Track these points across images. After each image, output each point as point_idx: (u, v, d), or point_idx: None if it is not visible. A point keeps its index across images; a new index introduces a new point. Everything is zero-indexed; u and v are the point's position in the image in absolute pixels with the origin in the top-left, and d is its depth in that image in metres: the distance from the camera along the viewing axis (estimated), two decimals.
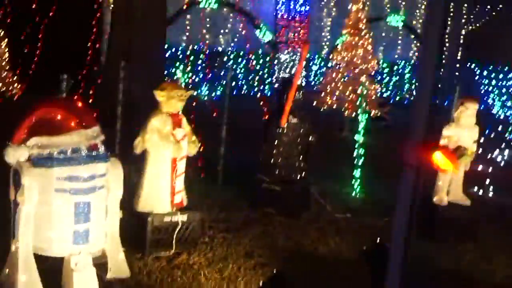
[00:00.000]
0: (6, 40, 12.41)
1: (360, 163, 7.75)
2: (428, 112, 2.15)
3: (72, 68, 10.03)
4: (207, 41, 15.75)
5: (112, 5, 10.88)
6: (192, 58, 15.42)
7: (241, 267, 5.11)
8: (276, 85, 15.08)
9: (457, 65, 18.73)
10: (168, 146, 5.16)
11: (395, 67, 18.79)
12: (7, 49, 12.41)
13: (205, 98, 14.53)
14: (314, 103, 12.13)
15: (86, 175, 3.45)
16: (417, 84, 2.22)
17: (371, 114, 12.02)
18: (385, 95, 17.32)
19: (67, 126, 3.42)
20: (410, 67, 19.03)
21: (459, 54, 19.28)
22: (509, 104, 15.12)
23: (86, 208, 3.49)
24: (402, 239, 2.14)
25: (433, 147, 2.18)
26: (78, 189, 3.44)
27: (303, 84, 15.19)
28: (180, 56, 15.33)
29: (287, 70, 16.59)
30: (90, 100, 8.73)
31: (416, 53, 19.13)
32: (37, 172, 3.39)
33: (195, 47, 15.71)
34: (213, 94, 14.96)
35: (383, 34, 18.35)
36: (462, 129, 6.24)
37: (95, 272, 3.56)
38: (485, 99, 17.26)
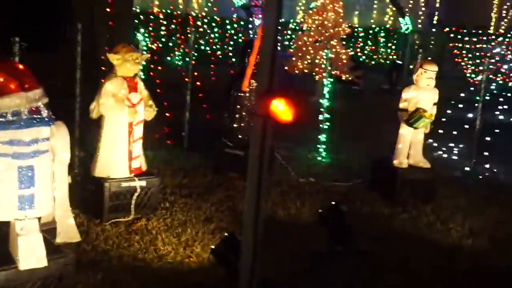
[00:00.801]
0: None
1: (325, 128, 7.78)
2: (271, 64, 2.17)
3: (37, 30, 9.88)
4: (179, 6, 15.50)
5: None
6: (165, 23, 15.20)
7: (200, 232, 5.14)
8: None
9: (433, 30, 18.72)
10: (123, 110, 5.10)
11: (370, 32, 18.73)
12: None
13: (178, 64, 14.39)
14: (286, 68, 12.07)
15: (28, 139, 3.40)
16: (262, 37, 2.23)
17: (343, 79, 12.04)
18: (360, 59, 17.29)
19: (7, 89, 3.34)
20: (385, 32, 18.99)
21: (435, 18, 19.26)
22: (480, 68, 15.19)
23: (30, 173, 3.45)
24: (255, 189, 2.18)
25: (275, 97, 2.20)
26: (21, 153, 3.39)
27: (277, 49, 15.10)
28: (152, 22, 15.12)
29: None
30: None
31: (392, 18, 19.06)
32: None
33: (168, 11, 15.47)
34: (186, 60, 14.78)
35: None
36: (422, 92, 6.27)
37: (41, 237, 3.54)
38: (458, 62, 17.33)
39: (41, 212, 3.58)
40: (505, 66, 15.16)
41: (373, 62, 18.40)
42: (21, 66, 3.53)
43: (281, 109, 2.22)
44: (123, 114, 5.10)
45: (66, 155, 3.69)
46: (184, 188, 6.20)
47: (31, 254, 3.47)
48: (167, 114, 7.34)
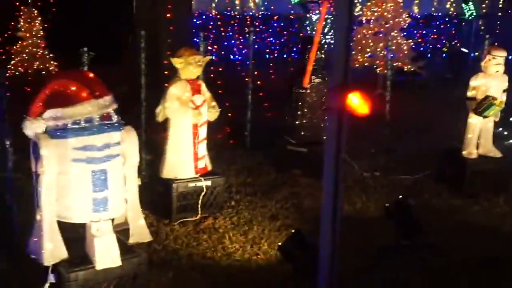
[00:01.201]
0: (40, 18, 12.70)
1: (388, 120, 7.65)
2: (346, 59, 2.13)
3: (103, 41, 10.27)
4: (236, 6, 15.66)
5: None
6: (222, 24, 15.39)
7: (266, 229, 5.19)
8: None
9: (499, 14, 17.96)
10: (188, 113, 5.22)
11: (431, 21, 18.18)
12: (41, 27, 12.72)
13: (238, 63, 14.53)
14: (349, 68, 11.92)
15: (100, 144, 3.54)
16: (334, 28, 2.20)
17: (405, 70, 11.79)
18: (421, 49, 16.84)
19: (79, 97, 3.50)
20: (447, 19, 18.37)
21: (501, 3, 18.46)
22: None
23: (103, 176, 3.60)
24: (331, 184, 2.17)
25: (350, 91, 2.16)
26: (94, 158, 3.54)
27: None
28: (211, 24, 15.35)
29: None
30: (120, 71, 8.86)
31: (454, 5, 18.42)
32: (54, 143, 3.50)
33: (225, 12, 15.66)
34: (246, 60, 14.90)
35: None
36: (490, 79, 6.05)
37: (115, 237, 3.69)
38: None
39: (114, 213, 3.73)
40: None
41: (435, 52, 17.86)
42: (91, 75, 3.69)
43: (357, 102, 2.20)
44: (188, 116, 5.22)
45: (136, 159, 3.83)
46: (249, 187, 6.28)
47: (106, 254, 3.62)
48: (229, 114, 7.43)
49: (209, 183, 5.41)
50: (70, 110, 3.50)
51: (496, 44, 7.00)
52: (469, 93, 6.16)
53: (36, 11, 12.73)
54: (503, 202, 5.94)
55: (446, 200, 6.04)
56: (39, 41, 12.68)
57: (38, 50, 12.65)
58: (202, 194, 5.36)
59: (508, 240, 5.17)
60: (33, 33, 12.64)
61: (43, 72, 12.40)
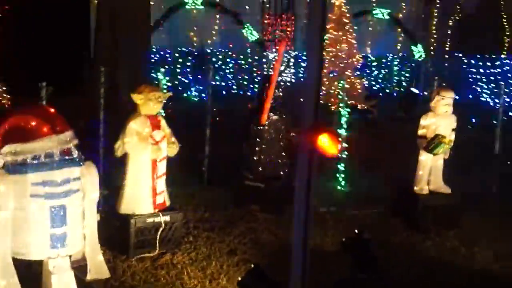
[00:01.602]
0: None
1: (343, 157, 7.84)
2: (316, 99, 2.25)
3: (59, 74, 10.17)
4: (194, 43, 15.86)
5: (96, 11, 10.94)
6: (180, 60, 15.54)
7: (224, 264, 5.20)
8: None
9: (446, 56, 18.81)
10: (147, 148, 5.24)
11: (383, 61, 18.84)
12: None
13: (195, 100, 14.63)
14: (301, 99, 12.20)
15: (60, 179, 3.53)
16: (306, 71, 2.31)
17: (358, 107, 12.14)
18: (374, 88, 17.41)
19: (39, 132, 3.50)
20: (397, 60, 19.10)
21: (447, 45, 19.34)
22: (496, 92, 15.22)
23: (62, 212, 3.57)
24: (303, 220, 2.23)
25: (320, 132, 2.26)
26: (53, 194, 3.51)
27: (293, 81, 15.30)
28: (169, 59, 15.46)
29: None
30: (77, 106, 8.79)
31: (402, 46, 19.18)
32: (12, 179, 3.47)
33: (183, 49, 15.83)
34: (203, 96, 15.02)
35: (370, 29, 18.42)
36: (440, 118, 6.34)
37: (73, 274, 3.64)
38: (473, 88, 17.37)
39: (72, 250, 3.69)
40: None
41: (387, 91, 18.46)
42: (52, 110, 3.69)
43: (326, 143, 2.27)
44: (147, 152, 5.24)
45: (96, 194, 3.81)
46: (206, 222, 6.29)
47: None
48: (187, 150, 7.47)
49: (167, 218, 5.40)
50: (30, 146, 3.49)
51: (444, 85, 7.35)
52: (420, 132, 6.42)
53: None
54: (453, 237, 6.15)
55: (400, 234, 6.21)
56: None
57: None
58: (160, 229, 5.34)
59: (458, 273, 5.34)
60: None
61: None
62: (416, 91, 14.99)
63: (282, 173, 6.89)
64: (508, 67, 17.00)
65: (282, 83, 7.82)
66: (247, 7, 16.58)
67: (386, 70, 18.68)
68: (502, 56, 18.01)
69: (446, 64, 17.82)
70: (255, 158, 6.81)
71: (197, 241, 5.72)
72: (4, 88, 12.37)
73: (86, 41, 12.85)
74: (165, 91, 6.41)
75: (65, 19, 13.23)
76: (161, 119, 5.49)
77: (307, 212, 2.25)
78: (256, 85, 16.36)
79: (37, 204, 3.49)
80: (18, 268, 3.61)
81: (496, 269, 5.45)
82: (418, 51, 15.57)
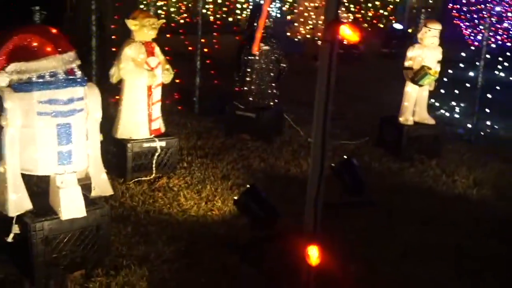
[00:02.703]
0: None
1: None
2: None
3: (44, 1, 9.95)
4: None
5: None
6: None
7: (219, 188, 5.42)
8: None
9: None
10: (142, 74, 5.32)
11: None
12: None
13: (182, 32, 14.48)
14: (288, 34, 12.22)
15: (65, 98, 3.61)
16: None
17: (344, 43, 12.19)
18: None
19: (44, 51, 3.55)
20: None
21: None
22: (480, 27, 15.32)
23: (68, 130, 3.67)
24: (322, 109, 2.45)
25: (342, 24, 2.50)
26: (59, 112, 3.60)
27: (278, 15, 15.18)
28: None
29: None
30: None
31: None
32: (19, 96, 3.54)
33: None
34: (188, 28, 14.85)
35: None
36: (426, 50, 6.48)
37: (80, 189, 3.80)
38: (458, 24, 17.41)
39: (78, 167, 3.82)
40: (505, 25, 15.27)
41: (371, 26, 18.44)
42: (54, 30, 3.73)
43: (348, 32, 2.51)
44: (143, 78, 5.32)
45: (99, 114, 3.92)
46: (200, 149, 6.46)
47: (71, 205, 3.73)
48: (177, 81, 7.53)
49: (163, 143, 5.55)
50: (34, 64, 3.55)
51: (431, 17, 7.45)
52: (406, 63, 6.57)
53: None
54: (435, 165, 6.44)
55: (385, 163, 6.48)
56: None
57: None
58: (156, 154, 5.50)
59: (440, 198, 5.65)
60: None
61: None
62: (399, 27, 15.03)
63: (272, 103, 7.02)
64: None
65: (273, 14, 7.79)
66: None
67: (372, 6, 18.58)
68: None
69: (430, 1, 17.78)
70: (245, 88, 6.92)
71: (191, 166, 5.91)
72: None
73: None
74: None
75: None
76: (155, 45, 5.53)
77: (326, 104, 2.46)
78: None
79: (44, 122, 3.59)
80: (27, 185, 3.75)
81: (474, 195, 5.76)
82: None
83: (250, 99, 6.93)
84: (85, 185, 4.04)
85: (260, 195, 4.41)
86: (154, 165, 5.49)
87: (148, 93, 5.43)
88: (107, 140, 5.67)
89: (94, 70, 6.50)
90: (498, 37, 14.67)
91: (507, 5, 15.00)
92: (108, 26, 8.26)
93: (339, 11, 2.50)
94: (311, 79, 7.58)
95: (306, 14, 12.01)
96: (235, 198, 4.60)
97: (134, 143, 5.41)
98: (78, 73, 3.74)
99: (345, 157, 5.28)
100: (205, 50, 8.37)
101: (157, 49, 5.54)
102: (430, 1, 18.05)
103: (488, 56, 8.04)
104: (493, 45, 12.54)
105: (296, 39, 12.26)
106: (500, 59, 10.85)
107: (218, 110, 7.36)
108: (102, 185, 4.08)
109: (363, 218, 4.96)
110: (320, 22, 11.86)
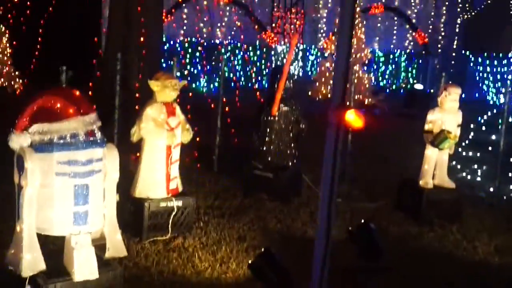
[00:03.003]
0: (8, 35, 12.69)
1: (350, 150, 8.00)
2: (345, 81, 2.46)
3: (71, 61, 10.33)
4: (204, 34, 16.02)
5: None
6: (189, 50, 15.71)
7: (234, 250, 5.37)
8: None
9: (453, 54, 18.92)
10: (162, 134, 5.41)
11: (391, 57, 18.97)
12: (8, 44, 12.70)
13: (204, 91, 14.80)
14: (309, 93, 12.37)
15: (84, 159, 3.70)
16: (335, 58, 2.54)
17: (365, 103, 12.30)
18: (380, 84, 17.55)
19: (66, 113, 3.67)
20: (405, 56, 19.23)
21: (455, 43, 19.44)
22: (503, 91, 15.33)
23: (85, 191, 3.74)
24: (328, 191, 2.49)
25: (346, 109, 2.54)
26: (77, 173, 3.69)
27: (300, 75, 15.45)
28: (178, 49, 15.65)
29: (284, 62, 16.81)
30: (90, 92, 8.98)
31: (412, 43, 19.29)
32: (39, 157, 3.64)
33: (193, 39, 16.00)
34: (211, 87, 15.21)
35: (379, 24, 18.53)
36: (446, 114, 6.48)
37: (94, 251, 3.82)
38: (480, 86, 17.48)
39: (93, 227, 3.86)
40: None
41: (394, 87, 18.60)
42: (77, 92, 3.86)
43: (352, 118, 2.57)
44: (162, 138, 5.41)
45: (116, 175, 3.99)
46: (217, 209, 6.46)
47: (84, 267, 3.74)
48: (197, 139, 7.65)
49: (180, 203, 5.57)
50: (56, 126, 3.66)
51: (451, 82, 7.49)
52: (426, 126, 6.57)
53: (3, 27, 12.72)
54: (455, 230, 6.31)
55: (404, 227, 6.38)
56: (5, 58, 12.65)
57: (4, 67, 12.61)
58: (173, 214, 5.51)
59: (460, 265, 5.51)
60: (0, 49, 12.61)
61: (8, 89, 12.37)
62: (420, 87, 15.12)
63: (290, 163, 7.04)
64: None
65: (294, 76, 7.94)
66: None
67: (393, 66, 18.81)
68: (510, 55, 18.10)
69: (453, 62, 17.94)
70: (264, 148, 6.97)
71: (207, 226, 5.89)
72: (17, 73, 12.63)
73: (98, 30, 13.01)
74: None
75: (78, 7, 13.42)
76: (176, 106, 5.65)
77: (333, 183, 2.50)
78: (265, 78, 16.72)
79: (62, 182, 3.66)
80: (42, 244, 3.78)
81: (496, 262, 5.61)
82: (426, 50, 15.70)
83: (269, 159, 6.97)
84: (100, 245, 4.07)
85: (275, 259, 4.37)
86: (170, 225, 5.49)
87: (167, 153, 5.50)
88: (125, 199, 5.75)
89: (116, 128, 6.62)
90: None
91: None
92: (133, 86, 8.49)
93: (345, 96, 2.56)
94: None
95: (327, 74, 12.18)
96: (249, 261, 4.57)
97: (151, 202, 5.44)
98: (98, 134, 3.83)
99: (362, 221, 5.26)
100: (226, 109, 8.52)
101: (178, 109, 5.66)
102: (453, 62, 18.19)
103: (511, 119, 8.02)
104: None
105: (317, 99, 12.39)
106: None
107: (237, 169, 7.39)
108: (116, 246, 4.10)
109: (381, 284, 4.84)
110: None
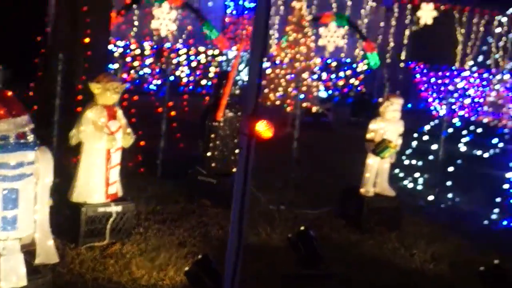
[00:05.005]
0: None
1: (296, 157, 8.04)
2: (256, 92, 2.48)
3: (13, 60, 9.99)
4: (153, 37, 15.84)
5: None
6: (138, 52, 15.51)
7: (173, 256, 5.29)
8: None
9: (401, 64, 19.40)
10: (102, 138, 5.29)
11: (340, 66, 19.26)
12: None
13: (152, 94, 14.62)
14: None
15: (14, 163, 3.56)
16: (250, 68, 2.56)
17: (313, 111, 12.43)
18: (329, 92, 17.79)
19: None
20: (355, 65, 19.58)
21: (403, 53, 19.94)
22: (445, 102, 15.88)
23: (14, 195, 3.60)
24: (240, 194, 2.53)
25: (257, 119, 2.57)
26: (6, 176, 3.54)
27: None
28: (128, 51, 15.42)
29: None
30: (31, 93, 8.70)
31: (361, 52, 19.66)
32: None
33: (142, 42, 15.80)
34: (159, 90, 15.04)
35: (329, 33, 18.78)
36: (388, 123, 6.61)
37: (22, 257, 3.68)
38: (424, 97, 17.99)
39: (23, 233, 3.72)
40: (467, 101, 15.83)
41: (341, 95, 18.89)
42: (9, 93, 3.71)
43: (263, 128, 2.58)
44: (102, 141, 5.29)
45: (49, 179, 3.85)
46: (158, 215, 6.37)
47: (12, 274, 3.60)
48: (141, 143, 7.52)
49: (119, 208, 5.45)
50: None
51: (397, 92, 7.67)
52: (368, 135, 6.68)
53: None
54: (394, 238, 6.44)
55: (345, 234, 6.46)
56: None
57: None
58: (111, 219, 5.39)
59: (397, 272, 5.62)
60: None
61: None
62: (367, 96, 15.43)
63: (234, 170, 7.01)
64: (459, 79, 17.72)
65: (239, 81, 7.94)
66: (209, 3, 16.69)
67: (342, 75, 19.11)
68: (453, 67, 18.75)
69: (400, 76, 18.39)
70: (208, 154, 6.93)
71: (147, 232, 5.80)
72: None
73: (43, 28, 12.65)
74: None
75: (21, 4, 13.02)
76: (118, 109, 5.54)
77: (245, 189, 2.52)
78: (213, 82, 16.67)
79: None
80: None
81: (431, 270, 5.75)
82: (373, 59, 16.04)
83: (213, 165, 6.93)
84: (31, 251, 3.93)
85: (211, 266, 4.35)
86: (108, 231, 5.36)
87: (106, 157, 5.38)
88: (62, 203, 5.59)
89: (56, 130, 6.43)
90: (462, 111, 15.16)
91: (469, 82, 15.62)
92: (75, 87, 8.27)
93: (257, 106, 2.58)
94: (277, 146, 7.67)
95: (276, 81, 12.26)
96: (186, 269, 4.52)
97: (89, 207, 5.31)
98: (30, 137, 3.70)
99: (302, 228, 5.31)
100: (172, 113, 8.43)
101: (119, 113, 5.55)
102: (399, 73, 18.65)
103: (450, 129, 8.29)
104: (456, 119, 12.92)
105: (265, 105, 12.44)
106: (464, 132, 11.18)
107: (181, 174, 7.32)
108: (47, 252, 3.96)
109: None
110: (289, 89, 12.11)
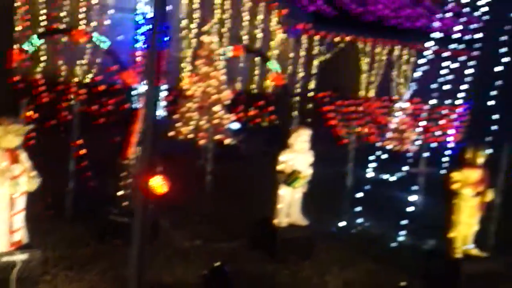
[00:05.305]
0: None
1: (210, 190, 8.08)
2: (152, 150, 2.52)
3: None
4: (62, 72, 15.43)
5: None
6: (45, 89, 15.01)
7: None
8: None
9: (310, 94, 20.03)
10: (4, 183, 5.05)
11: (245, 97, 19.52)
12: None
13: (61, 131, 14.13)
14: (170, 133, 12.35)
15: None
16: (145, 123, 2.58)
17: (225, 143, 12.53)
18: (242, 123, 17.98)
19: None
20: (266, 96, 19.94)
21: (312, 83, 20.61)
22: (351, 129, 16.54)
23: None
24: (138, 247, 2.56)
25: (152, 174, 2.61)
26: None
27: (161, 115, 15.37)
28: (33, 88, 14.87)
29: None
30: None
31: (273, 83, 20.11)
32: None
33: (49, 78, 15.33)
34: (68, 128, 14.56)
35: (241, 65, 19.10)
36: (297, 154, 6.79)
37: None
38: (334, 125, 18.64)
39: None
40: (372, 127, 16.53)
41: (254, 126, 19.13)
42: None
43: (157, 183, 2.58)
44: (4, 187, 5.05)
45: None
46: (66, 260, 6.13)
47: None
48: (49, 184, 7.24)
49: (23, 256, 5.19)
50: None
51: (307, 120, 7.92)
52: (279, 167, 6.83)
53: None
54: (308, 266, 6.59)
55: (260, 266, 6.52)
56: None
57: None
58: (16, 268, 5.12)
59: None
60: None
61: None
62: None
63: None
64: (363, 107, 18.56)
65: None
66: (119, 38, 16.51)
67: (257, 106, 19.39)
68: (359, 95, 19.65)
69: (310, 105, 19.01)
70: (120, 192, 6.79)
71: (55, 280, 5.56)
72: None
73: None
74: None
75: None
76: (21, 152, 5.31)
77: (142, 237, 2.52)
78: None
79: None
80: None
81: None
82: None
83: (124, 203, 6.79)
84: None
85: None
86: (12, 282, 5.08)
87: (9, 203, 5.13)
88: None
89: None
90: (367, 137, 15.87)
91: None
92: None
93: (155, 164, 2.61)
94: (191, 180, 7.62)
95: (188, 115, 12.28)
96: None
97: None
98: None
99: (216, 264, 5.30)
100: (82, 151, 8.19)
101: (22, 156, 5.32)
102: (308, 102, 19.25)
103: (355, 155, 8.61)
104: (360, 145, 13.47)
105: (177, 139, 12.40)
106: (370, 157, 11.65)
107: (92, 215, 7.10)
108: None
109: None
110: (202, 122, 12.16)
